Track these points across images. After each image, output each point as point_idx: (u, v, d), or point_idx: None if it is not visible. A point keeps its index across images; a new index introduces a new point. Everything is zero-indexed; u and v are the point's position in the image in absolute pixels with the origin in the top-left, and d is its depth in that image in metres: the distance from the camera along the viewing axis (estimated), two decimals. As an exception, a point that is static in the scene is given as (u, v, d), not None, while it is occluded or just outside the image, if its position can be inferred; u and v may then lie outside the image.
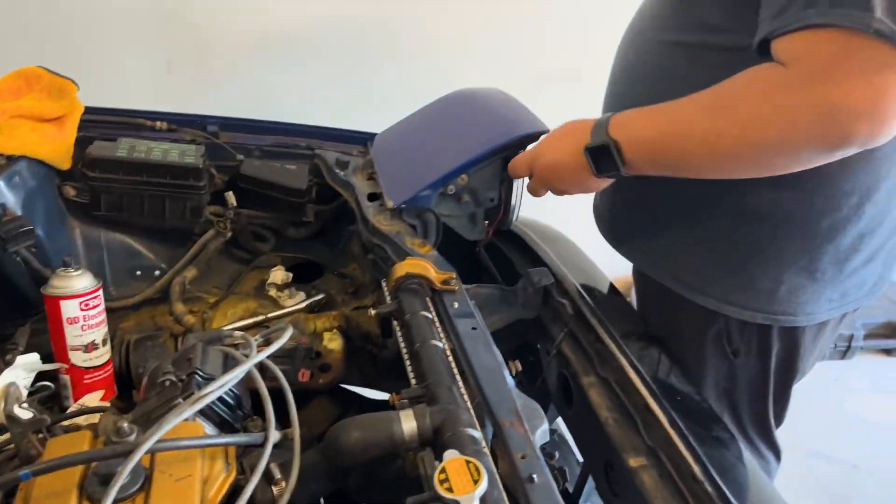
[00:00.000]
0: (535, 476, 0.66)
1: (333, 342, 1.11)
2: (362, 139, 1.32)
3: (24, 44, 1.81)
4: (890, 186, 0.96)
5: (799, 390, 1.15)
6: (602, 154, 0.92)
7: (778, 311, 1.02)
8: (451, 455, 0.64)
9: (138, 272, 1.17)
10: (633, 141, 0.91)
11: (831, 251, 0.98)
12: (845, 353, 2.44)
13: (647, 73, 1.00)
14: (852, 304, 1.06)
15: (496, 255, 1.26)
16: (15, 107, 1.05)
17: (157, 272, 1.18)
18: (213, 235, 1.19)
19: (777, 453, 1.18)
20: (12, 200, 1.01)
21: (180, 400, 0.68)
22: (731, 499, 0.71)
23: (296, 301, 1.17)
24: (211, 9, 1.95)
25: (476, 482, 0.61)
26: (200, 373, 0.74)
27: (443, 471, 0.62)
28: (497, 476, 0.64)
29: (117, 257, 1.16)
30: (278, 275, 1.21)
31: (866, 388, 2.38)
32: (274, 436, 0.66)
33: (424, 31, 2.07)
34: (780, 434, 1.17)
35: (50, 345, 0.95)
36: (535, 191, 1.05)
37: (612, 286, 1.29)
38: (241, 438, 0.68)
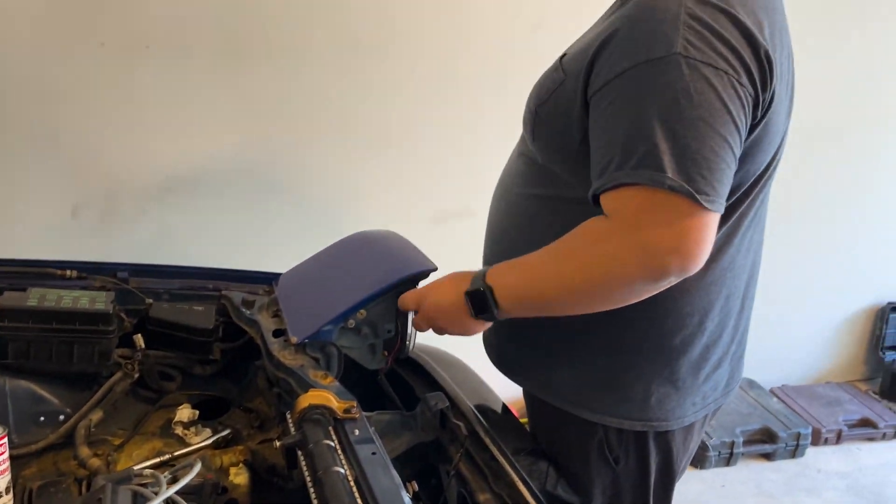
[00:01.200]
0: None
1: (239, 477, 1.15)
2: (267, 279, 1.41)
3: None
4: (722, 304, 1.15)
5: (691, 500, 1.26)
6: (479, 298, 1.07)
7: (652, 418, 1.16)
8: None
9: (42, 418, 1.18)
10: (504, 287, 1.06)
11: (686, 363, 1.15)
12: (729, 459, 2.61)
13: (516, 224, 1.18)
14: (712, 405, 1.23)
15: (397, 382, 1.34)
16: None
17: (61, 417, 1.19)
18: (120, 377, 1.23)
19: None
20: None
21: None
22: None
23: (202, 438, 1.21)
24: (118, 155, 2.04)
25: None
26: (111, 513, 0.78)
27: None
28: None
29: (21, 404, 1.17)
30: (184, 412, 1.25)
31: (751, 492, 2.54)
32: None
33: (325, 174, 2.23)
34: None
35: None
36: (419, 325, 1.18)
37: (504, 406, 1.40)
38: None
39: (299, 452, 1.01)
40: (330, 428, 1.02)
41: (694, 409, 1.19)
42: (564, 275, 1.00)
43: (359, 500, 0.88)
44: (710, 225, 0.94)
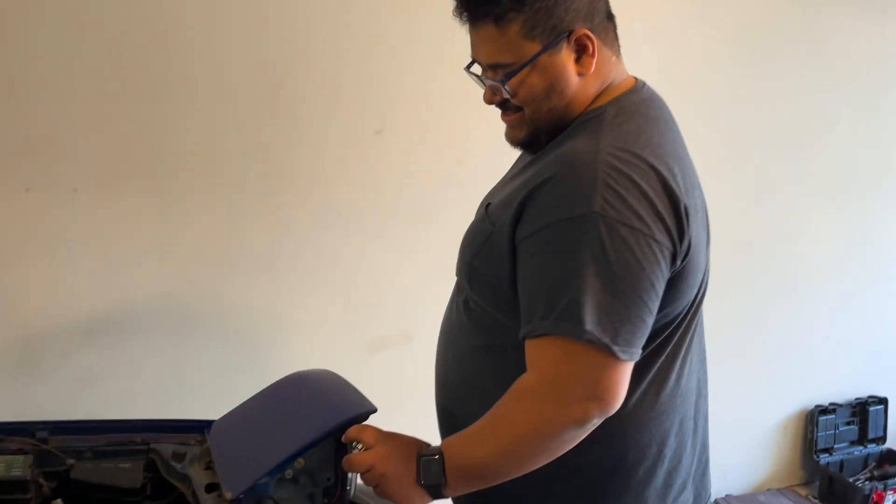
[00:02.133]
0: None
1: None
2: (199, 427, 1.36)
3: None
4: (676, 430, 1.18)
5: None
6: (429, 468, 1.06)
7: None
8: None
9: None
10: (453, 457, 1.06)
11: (652, 492, 1.16)
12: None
13: (466, 375, 1.20)
14: None
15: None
16: None
17: None
18: (36, 550, 1.13)
19: None
20: None
21: None
22: None
23: None
24: (37, 301, 1.97)
25: None
26: None
27: None
28: None
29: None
30: (108, 583, 1.16)
31: None
32: None
33: (255, 310, 2.20)
34: None
35: None
36: (368, 480, 1.13)
37: None
38: None
39: None
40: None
41: None
42: (499, 440, 1.03)
43: None
44: (624, 373, 1.00)
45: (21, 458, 1.14)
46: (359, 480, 1.24)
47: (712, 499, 2.89)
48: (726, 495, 3.07)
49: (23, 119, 1.88)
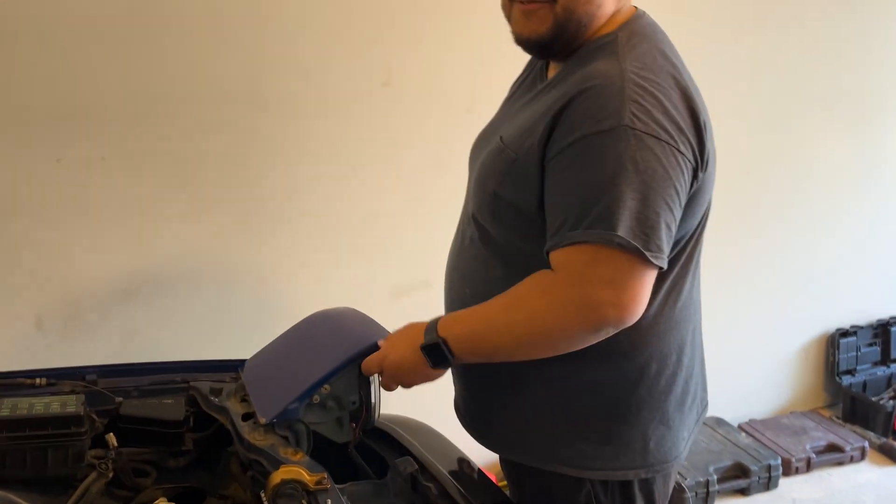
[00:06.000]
0: None
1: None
2: (234, 367, 1.47)
3: None
4: (690, 339, 1.25)
5: None
6: (434, 351, 1.14)
7: (653, 462, 1.23)
8: None
9: (19, 527, 1.20)
10: (457, 337, 1.14)
11: (672, 400, 1.23)
12: (706, 499, 2.65)
13: (472, 277, 1.26)
14: (694, 434, 1.31)
15: (368, 453, 1.39)
16: None
17: (42, 522, 1.21)
18: (94, 478, 1.25)
19: None
20: None
21: None
22: None
23: (181, 529, 1.23)
24: (78, 264, 2.09)
25: None
26: None
27: None
28: None
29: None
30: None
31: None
32: None
33: (283, 260, 2.30)
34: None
35: None
36: (387, 386, 1.23)
37: (476, 467, 1.44)
38: None
39: (276, 528, 1.06)
40: (303, 500, 1.07)
41: (684, 444, 1.27)
42: (511, 324, 1.10)
43: None
44: (649, 280, 1.05)
45: (74, 397, 1.25)
46: (386, 409, 1.35)
47: (735, 424, 3.00)
48: (750, 420, 3.15)
49: (52, 92, 1.97)
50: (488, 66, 2.18)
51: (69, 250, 2.07)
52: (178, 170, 2.14)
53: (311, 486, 1.10)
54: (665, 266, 1.06)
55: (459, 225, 1.36)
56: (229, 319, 2.24)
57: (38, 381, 1.33)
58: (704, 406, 1.36)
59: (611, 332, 1.07)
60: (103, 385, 1.38)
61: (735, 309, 2.96)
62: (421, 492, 1.24)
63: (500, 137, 1.21)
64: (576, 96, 1.07)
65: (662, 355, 1.21)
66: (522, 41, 1.20)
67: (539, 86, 1.24)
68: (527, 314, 1.09)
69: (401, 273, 2.45)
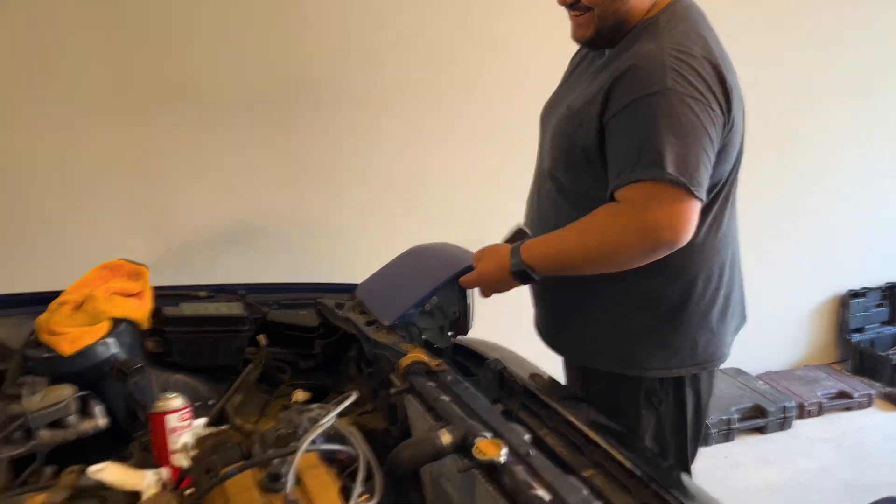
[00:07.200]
0: (530, 451, 1.08)
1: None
2: (348, 289, 1.78)
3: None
4: (730, 260, 1.53)
5: (701, 470, 1.59)
6: (521, 273, 1.44)
7: (701, 363, 1.50)
8: (481, 438, 1.06)
9: (196, 403, 1.52)
10: (538, 259, 1.43)
11: (716, 310, 1.50)
12: (728, 435, 2.97)
13: (547, 213, 1.56)
14: (732, 343, 1.59)
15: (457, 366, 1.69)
16: (109, 287, 1.45)
17: (210, 402, 1.54)
18: (252, 368, 1.57)
19: None
20: (119, 350, 1.39)
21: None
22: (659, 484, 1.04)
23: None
24: (185, 217, 2.42)
25: (500, 448, 1.03)
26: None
27: (477, 448, 1.04)
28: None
29: (181, 393, 1.51)
30: (300, 395, 1.59)
31: (751, 461, 2.89)
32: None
33: (352, 216, 2.63)
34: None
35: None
36: (484, 293, 1.53)
37: (544, 372, 1.74)
38: (350, 451, 1.06)
39: (405, 399, 1.36)
40: (428, 375, 1.37)
41: (726, 347, 1.55)
42: (584, 244, 1.38)
43: (464, 414, 1.22)
44: (694, 209, 1.32)
45: (236, 304, 1.57)
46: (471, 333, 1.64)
47: (753, 374, 3.28)
48: (767, 371, 3.44)
49: (161, 68, 2.31)
50: (539, 46, 2.48)
51: (179, 203, 2.41)
52: (271, 138, 2.46)
53: (433, 367, 1.40)
54: (705, 198, 1.33)
55: (535, 182, 1.65)
56: (307, 269, 2.56)
57: (201, 293, 1.66)
58: (743, 318, 1.64)
59: (664, 252, 1.34)
60: (250, 300, 1.69)
61: (755, 268, 3.21)
62: (507, 386, 1.54)
63: (567, 105, 1.50)
64: (626, 71, 1.35)
65: (707, 274, 1.46)
66: (576, 41, 1.51)
67: (598, 61, 1.53)
68: (597, 235, 1.35)
69: (459, 231, 2.76)
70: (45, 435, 1.24)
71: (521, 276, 1.45)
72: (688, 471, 1.59)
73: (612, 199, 1.36)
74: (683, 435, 1.56)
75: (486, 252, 1.53)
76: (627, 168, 1.32)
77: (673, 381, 1.52)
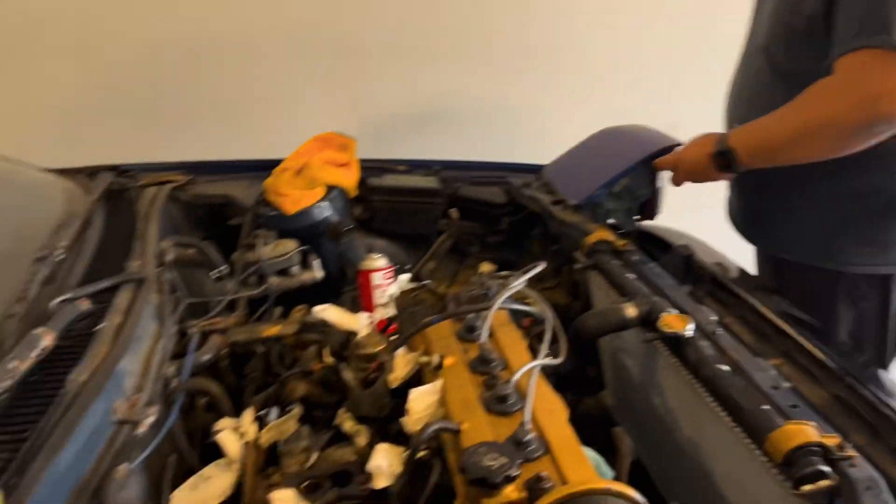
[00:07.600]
0: (716, 330, 1.09)
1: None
2: (535, 169, 1.82)
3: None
4: None
5: None
6: (723, 157, 1.38)
7: None
8: (667, 313, 1.09)
9: (395, 266, 1.67)
10: (744, 145, 1.37)
11: None
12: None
13: (757, 96, 1.47)
14: None
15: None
16: (322, 157, 1.60)
17: (407, 267, 1.69)
18: (444, 239, 1.70)
19: None
20: (333, 213, 1.55)
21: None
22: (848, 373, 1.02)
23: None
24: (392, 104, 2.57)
25: (686, 322, 1.06)
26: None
27: (663, 321, 1.07)
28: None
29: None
30: (486, 266, 1.69)
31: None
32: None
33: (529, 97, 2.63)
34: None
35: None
36: (677, 182, 1.51)
37: (730, 260, 1.70)
38: (538, 314, 1.14)
39: (590, 274, 1.41)
40: (613, 253, 1.40)
41: None
42: (803, 123, 1.29)
43: (649, 291, 1.24)
44: None
45: (432, 177, 1.68)
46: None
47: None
48: None
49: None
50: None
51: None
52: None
53: (619, 246, 1.42)
54: None
55: (743, 62, 1.55)
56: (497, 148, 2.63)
57: (400, 167, 1.79)
58: None
59: (881, 128, 1.22)
60: (444, 175, 1.79)
61: None
62: (693, 272, 1.53)
63: None
64: None
65: None
66: None
67: None
68: (809, 111, 1.26)
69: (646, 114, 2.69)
70: (274, 281, 1.45)
71: (722, 157, 1.39)
72: (885, 369, 1.52)
73: (832, 70, 1.26)
74: (884, 334, 1.49)
75: (692, 140, 1.49)
76: (850, 34, 1.21)
77: (880, 278, 1.44)
